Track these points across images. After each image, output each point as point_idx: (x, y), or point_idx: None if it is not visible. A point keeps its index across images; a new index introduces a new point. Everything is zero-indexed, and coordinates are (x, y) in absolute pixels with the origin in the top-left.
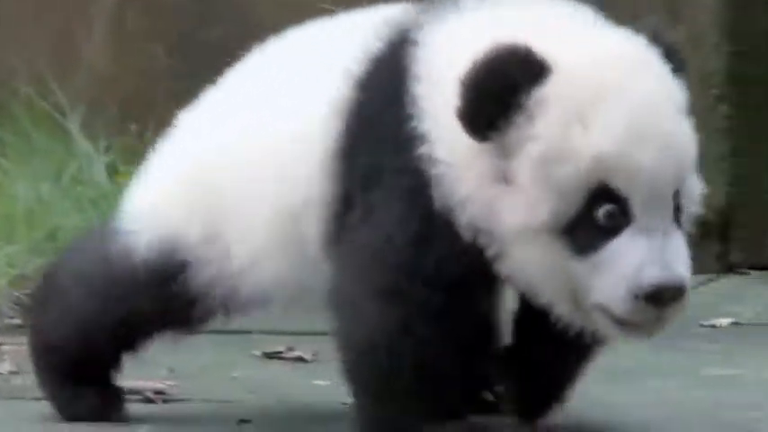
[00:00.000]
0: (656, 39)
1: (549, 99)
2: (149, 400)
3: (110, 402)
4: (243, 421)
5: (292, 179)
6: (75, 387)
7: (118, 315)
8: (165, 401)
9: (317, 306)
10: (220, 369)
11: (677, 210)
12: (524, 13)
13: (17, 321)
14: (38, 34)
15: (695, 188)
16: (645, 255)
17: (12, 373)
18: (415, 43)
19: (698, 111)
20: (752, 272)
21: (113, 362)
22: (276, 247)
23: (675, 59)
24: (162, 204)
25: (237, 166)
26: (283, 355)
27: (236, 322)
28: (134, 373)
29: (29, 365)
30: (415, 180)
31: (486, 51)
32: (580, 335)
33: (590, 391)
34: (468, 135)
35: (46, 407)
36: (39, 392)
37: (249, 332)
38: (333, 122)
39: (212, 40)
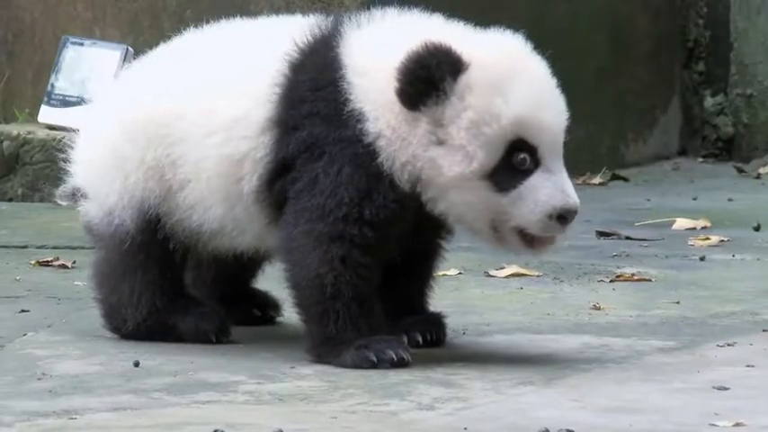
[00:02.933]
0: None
1: (474, 81)
2: None
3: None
4: (23, 311)
5: (234, 137)
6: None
7: (150, 279)
8: None
9: (250, 242)
10: (5, 273)
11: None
12: (421, 23)
13: None
14: None
15: None
16: (553, 187)
17: None
18: (342, 41)
19: None
20: None
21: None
22: (217, 190)
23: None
24: (116, 176)
25: (190, 116)
26: (51, 263)
27: (16, 239)
28: None
29: None
30: (357, 149)
31: (417, 47)
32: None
33: None
34: (406, 109)
35: None
36: None
37: (26, 247)
38: (270, 96)
39: None
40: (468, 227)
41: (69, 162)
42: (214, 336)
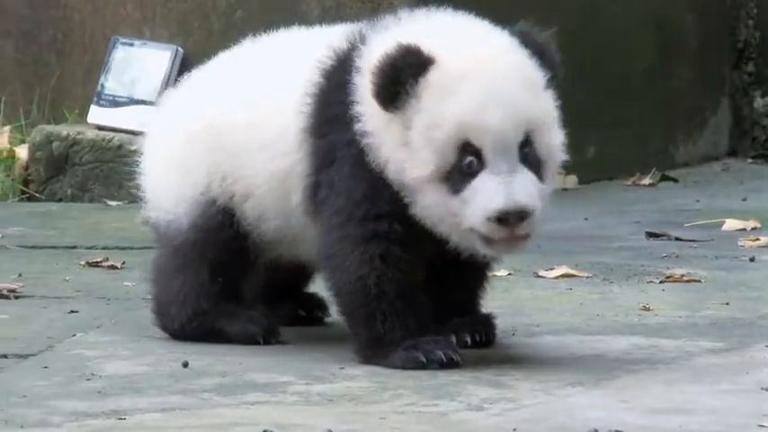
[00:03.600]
0: (525, 38)
1: (430, 83)
2: (5, 296)
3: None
4: (73, 312)
5: (278, 153)
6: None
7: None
8: (16, 297)
9: (310, 251)
10: (55, 274)
11: (526, 156)
12: (434, 24)
13: None
14: None
15: (551, 141)
16: (493, 189)
17: None
18: (364, 45)
19: None
20: None
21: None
22: (273, 204)
23: (543, 54)
24: (184, 181)
25: (244, 129)
26: (100, 263)
27: (65, 240)
28: None
29: None
30: (357, 149)
31: (389, 49)
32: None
33: None
34: (380, 108)
35: None
36: None
37: (75, 247)
38: (303, 107)
39: (45, 38)
40: (437, 230)
41: (137, 165)
42: (261, 338)
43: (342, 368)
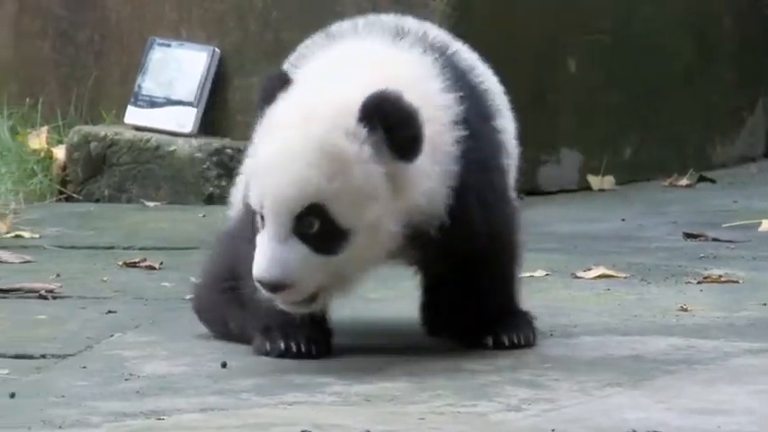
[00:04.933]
0: (379, 104)
1: (264, 124)
2: (43, 297)
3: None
4: (111, 312)
5: None
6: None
7: None
8: (54, 297)
9: None
10: (93, 274)
11: (308, 226)
12: (338, 52)
13: None
14: None
15: (354, 214)
16: (258, 253)
17: None
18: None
19: None
20: None
21: None
22: None
23: (391, 126)
24: None
25: None
26: (138, 264)
27: (103, 240)
28: (31, 277)
29: None
30: None
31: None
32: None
33: None
34: None
35: None
36: None
37: (113, 248)
38: None
39: (82, 39)
40: None
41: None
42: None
43: (380, 368)
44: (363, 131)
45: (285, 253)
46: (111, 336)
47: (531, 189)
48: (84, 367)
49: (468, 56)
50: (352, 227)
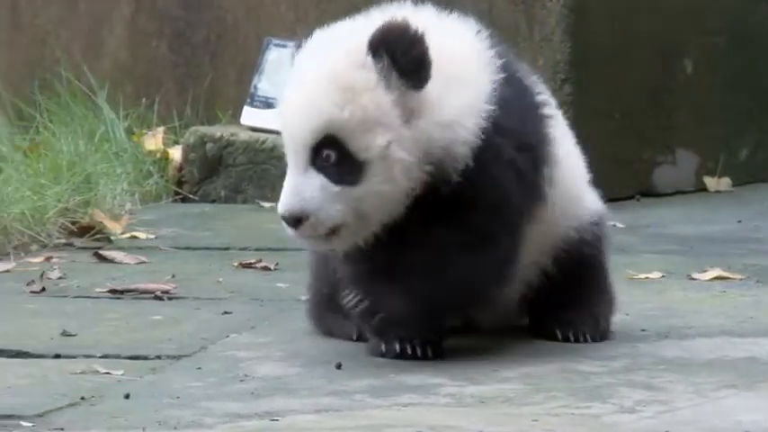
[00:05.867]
0: (383, 35)
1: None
2: (158, 298)
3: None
4: (226, 313)
5: None
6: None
7: None
8: (169, 298)
9: None
10: (208, 275)
11: (326, 159)
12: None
13: (63, 241)
14: (74, 33)
15: (371, 143)
16: (283, 189)
17: (59, 278)
18: None
19: (548, 89)
20: None
21: None
22: None
23: (394, 53)
24: None
25: None
26: (254, 265)
27: (219, 241)
28: (147, 278)
29: (72, 272)
30: None
31: None
32: None
33: None
34: None
35: (73, 301)
36: (76, 291)
37: (228, 248)
38: None
39: (198, 40)
40: None
41: None
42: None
43: (495, 370)
44: (371, 61)
45: (304, 185)
46: (227, 337)
47: (646, 190)
48: (199, 368)
49: (524, 68)
50: (367, 157)
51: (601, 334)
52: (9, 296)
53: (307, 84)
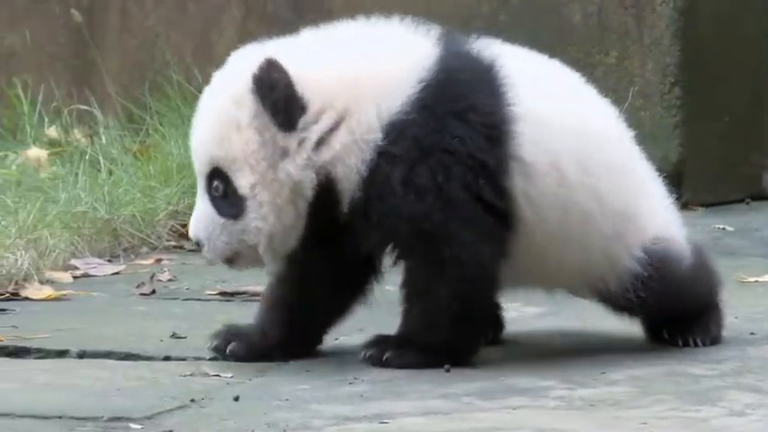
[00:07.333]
0: (263, 75)
1: None
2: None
3: None
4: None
5: None
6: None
7: None
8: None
9: None
10: None
11: (216, 189)
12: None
13: (173, 243)
14: (184, 36)
15: (241, 181)
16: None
17: (169, 280)
18: None
19: (657, 92)
20: (699, 208)
21: None
22: None
23: (266, 94)
24: None
25: None
26: None
27: None
28: (256, 281)
29: (182, 275)
30: None
31: None
32: None
33: None
34: None
35: (183, 304)
36: (186, 293)
37: None
38: None
39: None
40: None
41: None
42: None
43: (603, 372)
44: (250, 99)
45: (201, 213)
46: (336, 339)
47: (756, 194)
48: (308, 371)
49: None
50: (245, 193)
51: (712, 339)
52: (119, 298)
53: (201, 113)
